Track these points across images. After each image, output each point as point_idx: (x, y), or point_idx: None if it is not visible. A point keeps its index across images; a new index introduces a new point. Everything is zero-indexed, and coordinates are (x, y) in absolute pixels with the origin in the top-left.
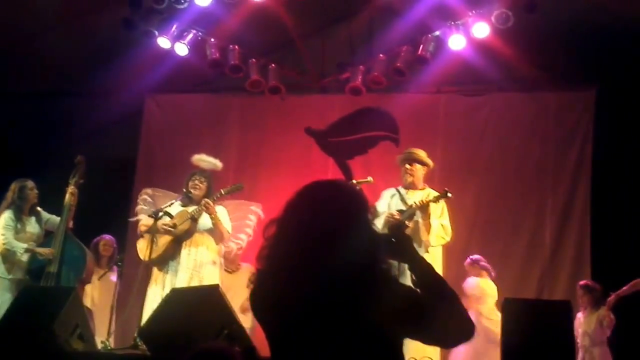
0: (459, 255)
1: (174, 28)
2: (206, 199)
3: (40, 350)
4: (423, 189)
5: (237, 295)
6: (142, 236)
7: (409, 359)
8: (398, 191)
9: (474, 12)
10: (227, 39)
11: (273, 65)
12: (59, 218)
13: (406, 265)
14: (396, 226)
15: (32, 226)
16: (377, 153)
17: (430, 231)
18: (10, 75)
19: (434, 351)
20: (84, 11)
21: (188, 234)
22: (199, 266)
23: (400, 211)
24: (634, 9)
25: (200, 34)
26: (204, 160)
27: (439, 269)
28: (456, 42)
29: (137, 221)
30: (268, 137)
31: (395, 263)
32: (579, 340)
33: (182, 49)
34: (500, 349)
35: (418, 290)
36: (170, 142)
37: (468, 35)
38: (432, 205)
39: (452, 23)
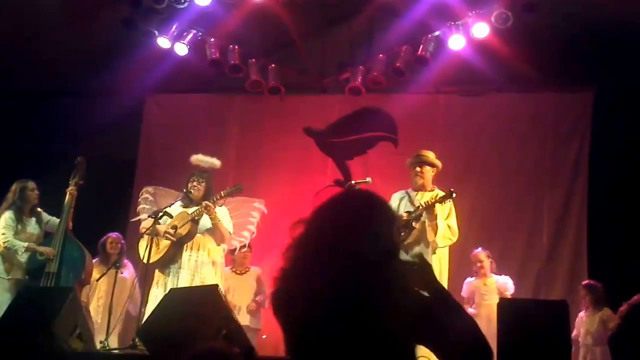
0: (456, 255)
1: (173, 28)
2: (206, 202)
3: (39, 350)
4: (432, 190)
5: (244, 296)
6: (143, 236)
7: None
8: (407, 194)
9: (473, 12)
10: (227, 38)
11: (273, 65)
12: (59, 220)
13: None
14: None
15: (32, 227)
16: (376, 153)
17: (436, 232)
18: (10, 75)
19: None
20: (84, 11)
21: (189, 236)
22: (200, 267)
23: (408, 212)
24: (633, 10)
25: (200, 33)
26: (202, 160)
27: (445, 269)
28: (456, 42)
29: (139, 221)
30: (268, 137)
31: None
32: (580, 339)
33: (182, 49)
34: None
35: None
36: (170, 142)
37: (468, 36)
38: (438, 206)
39: (452, 23)
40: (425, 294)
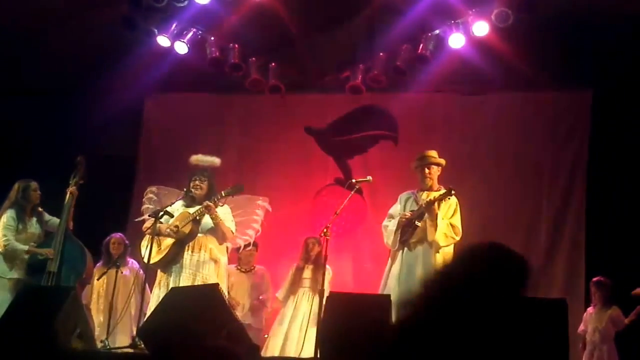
0: None
1: (173, 26)
2: (207, 202)
3: (39, 349)
4: (438, 189)
5: (247, 295)
6: (145, 236)
7: None
8: (414, 194)
9: (474, 10)
10: (227, 37)
11: (273, 64)
12: (59, 219)
13: None
14: None
15: (33, 227)
16: (377, 152)
17: (437, 231)
18: (10, 74)
19: None
20: (83, 10)
21: (190, 236)
22: (201, 267)
23: (412, 211)
24: (633, 9)
25: (200, 32)
26: (202, 159)
27: None
28: (456, 41)
29: (143, 221)
30: (268, 136)
31: None
32: (588, 335)
33: (182, 48)
34: None
35: None
36: (170, 141)
37: (468, 34)
38: (443, 204)
39: (452, 22)
40: None
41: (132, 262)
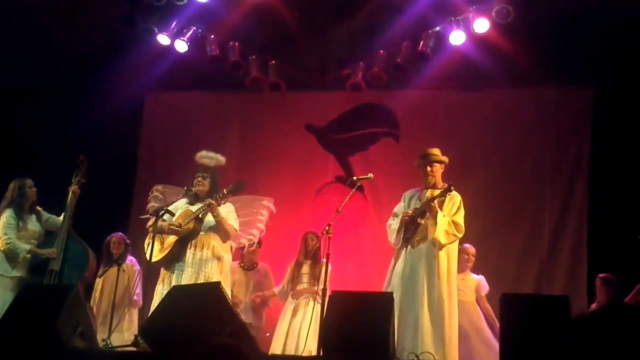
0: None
1: (173, 25)
2: (209, 200)
3: (42, 347)
4: (442, 187)
5: (249, 292)
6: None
7: (408, 354)
8: (418, 192)
9: (474, 7)
10: (227, 35)
11: (273, 61)
12: (59, 218)
13: None
14: None
15: (32, 224)
16: (378, 149)
17: (437, 228)
18: (10, 74)
19: (435, 347)
20: (83, 9)
21: (193, 233)
22: (204, 265)
23: (414, 209)
24: (634, 5)
25: (200, 30)
26: (206, 156)
27: (454, 265)
28: (456, 38)
29: (147, 219)
30: (268, 134)
31: None
32: None
33: (181, 46)
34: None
35: None
36: (170, 139)
37: (468, 31)
38: (447, 201)
39: (453, 18)
40: None
41: (132, 260)
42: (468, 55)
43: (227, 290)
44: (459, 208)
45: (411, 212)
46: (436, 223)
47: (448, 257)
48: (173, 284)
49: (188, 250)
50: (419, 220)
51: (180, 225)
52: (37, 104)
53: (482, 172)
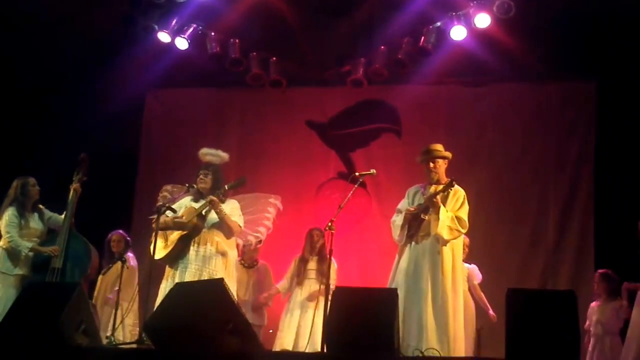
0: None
1: (173, 22)
2: (211, 196)
3: (45, 345)
4: (446, 182)
5: (249, 290)
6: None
7: (413, 350)
8: (422, 188)
9: (475, 2)
10: (228, 32)
11: (274, 58)
12: (61, 216)
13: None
14: None
15: (35, 222)
16: (379, 145)
17: (439, 224)
18: (11, 72)
19: (439, 343)
20: (84, 7)
21: (196, 230)
22: (208, 261)
23: (418, 205)
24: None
25: (200, 28)
26: (208, 153)
27: (459, 260)
28: (458, 33)
29: (153, 218)
30: (269, 131)
31: None
32: (591, 328)
33: (182, 44)
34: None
35: None
36: (171, 137)
37: (469, 26)
38: (450, 197)
39: (454, 14)
40: None
41: (132, 258)
42: (469, 50)
43: (233, 286)
44: (462, 203)
45: (414, 208)
46: (439, 219)
47: (453, 253)
48: (177, 281)
49: (191, 247)
50: (422, 216)
51: (183, 223)
52: (38, 102)
53: (486, 167)
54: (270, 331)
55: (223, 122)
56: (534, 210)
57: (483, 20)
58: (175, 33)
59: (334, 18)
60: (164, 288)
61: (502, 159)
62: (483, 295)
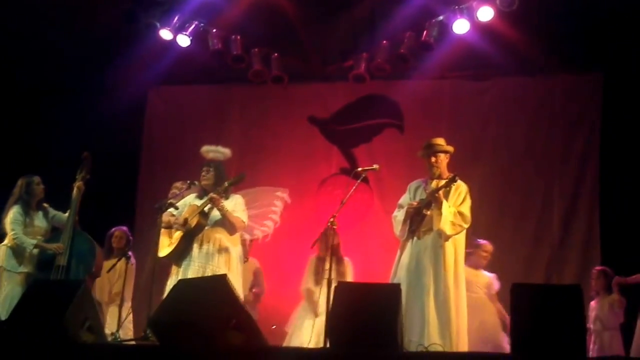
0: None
1: (175, 19)
2: (212, 194)
3: (50, 343)
4: (447, 177)
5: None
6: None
7: (417, 346)
8: (424, 183)
9: None
10: (229, 29)
11: (276, 54)
12: (65, 214)
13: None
14: None
15: (40, 220)
16: (382, 140)
17: (442, 219)
18: (13, 71)
19: (442, 338)
20: (86, 5)
21: (199, 228)
22: (211, 258)
23: (420, 200)
24: None
25: (202, 24)
26: (210, 150)
27: (461, 256)
28: (460, 27)
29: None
30: (271, 127)
31: None
32: (591, 325)
33: (184, 41)
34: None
35: None
36: (173, 134)
37: (472, 20)
38: (452, 192)
39: (456, 7)
40: None
41: (131, 256)
42: (472, 44)
43: (238, 282)
44: (464, 198)
45: (416, 203)
46: (441, 214)
47: (455, 248)
48: (180, 278)
49: (195, 245)
50: (424, 211)
51: (185, 222)
52: (41, 100)
53: (490, 161)
54: (274, 327)
55: (225, 118)
56: (538, 204)
57: (486, 13)
58: (177, 30)
59: (335, 13)
60: (170, 285)
61: (506, 154)
62: (501, 307)
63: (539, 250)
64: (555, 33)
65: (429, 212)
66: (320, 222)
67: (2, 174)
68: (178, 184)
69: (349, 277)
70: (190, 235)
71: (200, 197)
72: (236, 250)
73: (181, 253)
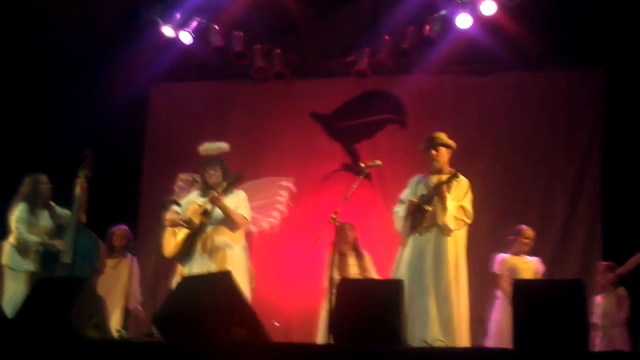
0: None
1: (177, 16)
2: (212, 193)
3: (56, 340)
4: (449, 172)
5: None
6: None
7: (420, 341)
8: (425, 178)
9: None
10: (231, 25)
11: (278, 50)
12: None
13: None
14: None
15: (45, 220)
16: (384, 136)
17: (446, 213)
18: (14, 68)
19: (444, 334)
20: (87, 1)
21: (201, 228)
22: (214, 256)
23: (421, 196)
24: None
25: (203, 21)
26: (208, 147)
27: (462, 251)
28: (463, 21)
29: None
30: (274, 123)
31: None
32: (598, 320)
33: (186, 37)
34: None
35: None
36: (176, 131)
37: (475, 14)
38: (454, 186)
39: (459, 1)
40: None
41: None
42: (475, 38)
43: (244, 278)
44: (466, 192)
45: (417, 199)
46: (446, 208)
47: (456, 243)
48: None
49: (198, 244)
50: (425, 207)
51: (190, 220)
52: (42, 98)
53: (492, 157)
54: (277, 324)
55: (228, 115)
56: (541, 199)
57: (489, 7)
58: (179, 27)
59: (337, 8)
60: (175, 284)
61: (508, 149)
62: None
63: (541, 244)
64: (558, 28)
65: (430, 208)
66: (323, 219)
67: (3, 171)
68: (183, 176)
69: (372, 272)
70: (194, 235)
71: (202, 194)
72: (239, 247)
73: (185, 253)
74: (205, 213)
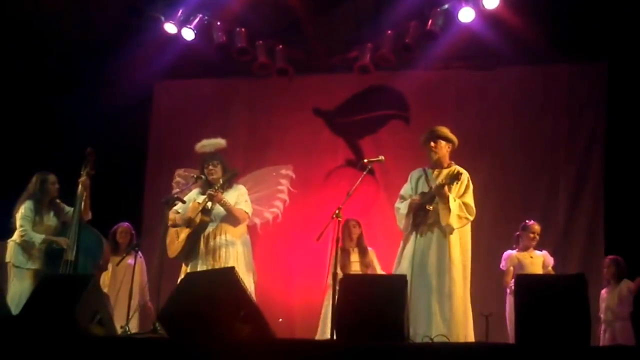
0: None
1: (179, 13)
2: (210, 191)
3: (61, 337)
4: (449, 166)
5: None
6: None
7: (422, 337)
8: (425, 172)
9: None
10: (233, 21)
11: (280, 46)
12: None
13: None
14: None
15: (50, 219)
16: (387, 132)
17: (450, 214)
18: (17, 66)
19: (449, 330)
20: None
21: (203, 225)
22: (217, 254)
23: (422, 194)
24: None
25: (206, 18)
26: (206, 144)
27: (467, 247)
28: (466, 15)
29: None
30: (277, 119)
31: None
32: (601, 315)
33: (189, 34)
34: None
35: None
36: (180, 128)
37: (478, 8)
38: (454, 184)
39: None
40: None
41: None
42: (478, 32)
43: (248, 273)
44: (467, 186)
45: (418, 198)
46: (449, 209)
47: (459, 240)
48: None
49: (201, 242)
50: (427, 206)
51: (190, 220)
52: (45, 96)
53: (495, 151)
54: (280, 320)
55: (231, 111)
56: (543, 194)
57: (492, 1)
58: (182, 24)
59: (339, 3)
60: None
61: (511, 143)
62: None
63: (543, 240)
64: (560, 21)
65: (432, 207)
66: (326, 214)
67: (6, 169)
68: (181, 172)
69: (377, 267)
70: (196, 233)
71: (202, 192)
72: (242, 242)
73: (189, 252)
74: (205, 211)
